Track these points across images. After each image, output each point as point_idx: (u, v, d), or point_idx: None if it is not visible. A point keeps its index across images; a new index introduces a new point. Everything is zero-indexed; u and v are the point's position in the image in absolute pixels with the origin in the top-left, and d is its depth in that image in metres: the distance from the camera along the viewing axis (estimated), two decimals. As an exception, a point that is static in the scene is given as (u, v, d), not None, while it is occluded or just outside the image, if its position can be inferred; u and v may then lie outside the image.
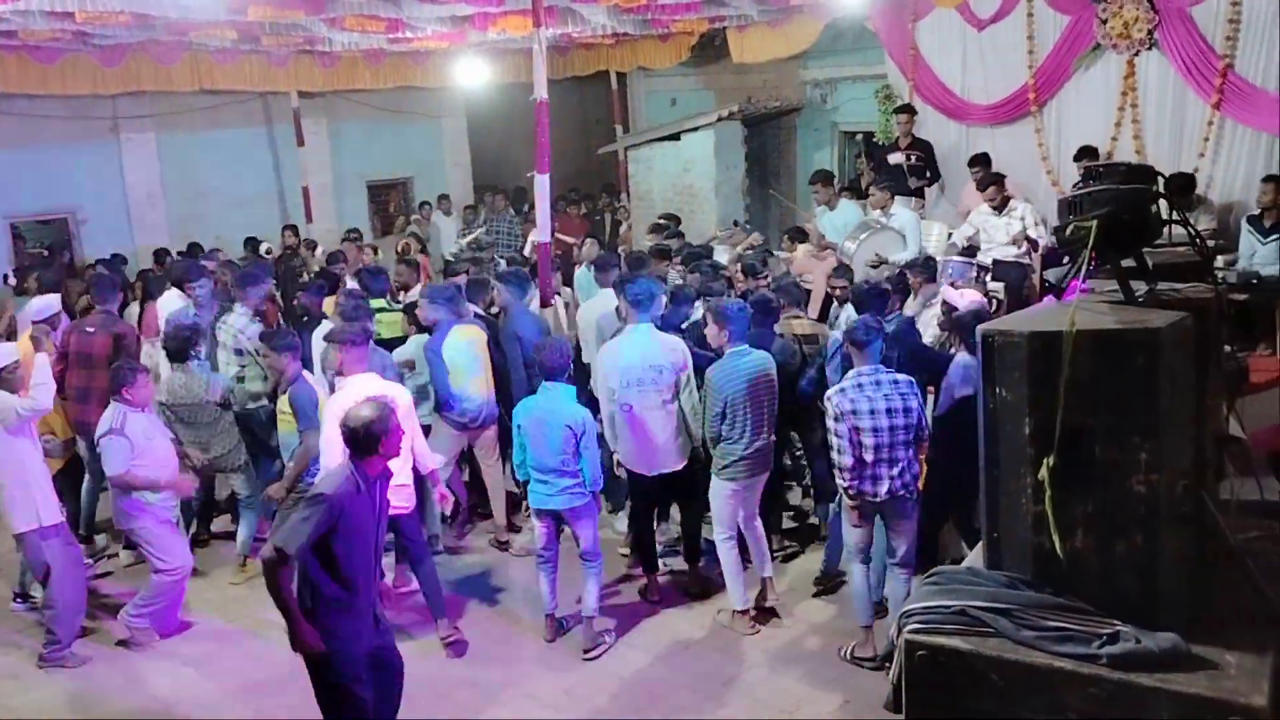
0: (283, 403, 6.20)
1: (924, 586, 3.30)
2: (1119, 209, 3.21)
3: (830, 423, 5.35)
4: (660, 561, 6.66)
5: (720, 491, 5.94)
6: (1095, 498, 2.99)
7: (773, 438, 5.96)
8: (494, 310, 7.61)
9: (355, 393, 5.35)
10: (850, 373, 5.44)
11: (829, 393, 5.41)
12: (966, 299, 6.51)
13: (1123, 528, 2.97)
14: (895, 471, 5.28)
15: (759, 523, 6.12)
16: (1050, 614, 3.00)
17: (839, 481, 5.41)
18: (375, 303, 7.82)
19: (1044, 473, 2.98)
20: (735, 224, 11.15)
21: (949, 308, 6.54)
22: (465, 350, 6.93)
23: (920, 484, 5.45)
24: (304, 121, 14.35)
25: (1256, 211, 8.12)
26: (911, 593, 3.33)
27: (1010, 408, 3.08)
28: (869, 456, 5.29)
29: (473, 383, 6.95)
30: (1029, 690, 2.90)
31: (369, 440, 4.27)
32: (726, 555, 6.00)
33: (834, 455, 5.39)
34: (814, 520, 7.23)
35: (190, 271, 8.04)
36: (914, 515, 5.43)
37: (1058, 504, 2.99)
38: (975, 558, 3.51)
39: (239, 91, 13.51)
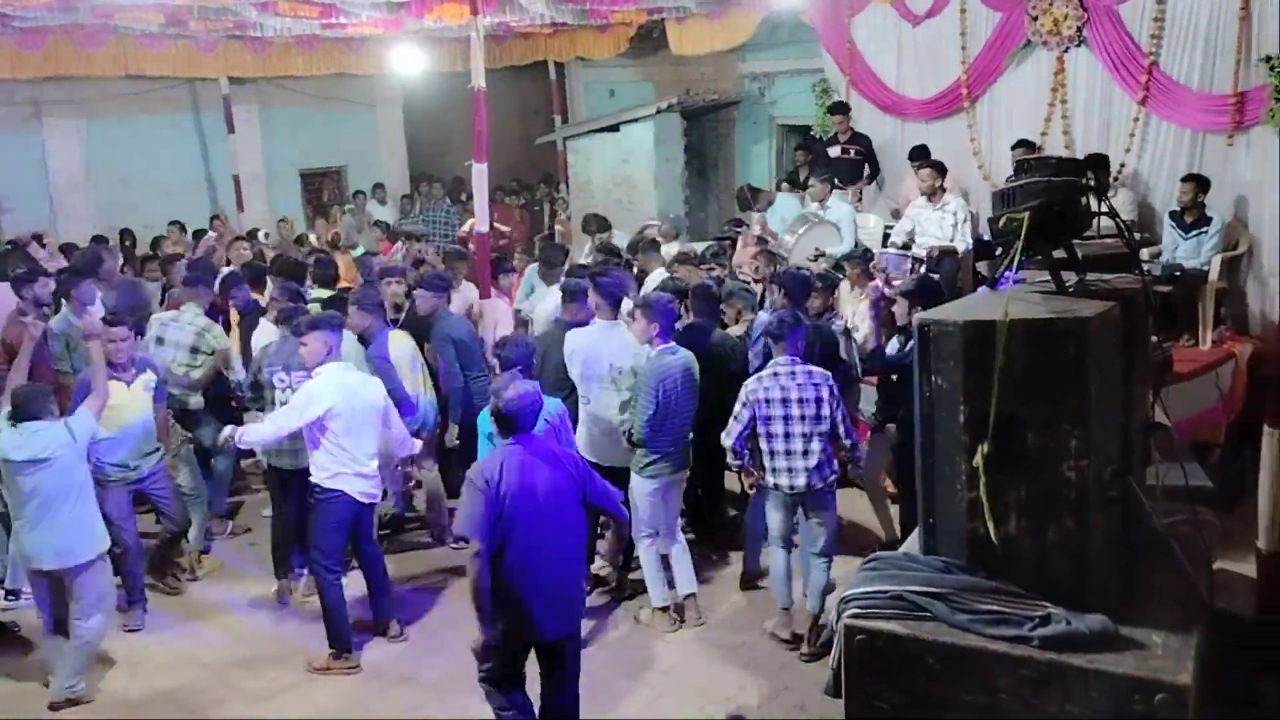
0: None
1: (863, 572, 3.36)
2: (1051, 200, 3.29)
3: (737, 406, 5.44)
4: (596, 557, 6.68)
5: (642, 490, 5.93)
6: (1028, 484, 3.07)
7: (691, 435, 5.96)
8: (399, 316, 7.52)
9: (331, 382, 5.42)
10: (769, 363, 5.52)
11: (747, 380, 5.48)
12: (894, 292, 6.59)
13: (1054, 512, 3.05)
14: (811, 464, 5.35)
15: (679, 534, 6.09)
16: (984, 598, 3.07)
17: (730, 459, 5.51)
18: (318, 293, 7.69)
19: (978, 459, 3.05)
20: (664, 219, 11.14)
21: (880, 300, 6.63)
22: (403, 356, 6.87)
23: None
24: (235, 108, 14.04)
25: (1177, 208, 8.35)
26: (850, 578, 3.38)
27: (945, 396, 3.14)
28: (779, 446, 5.37)
29: (413, 389, 6.89)
30: (963, 672, 2.96)
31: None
32: (646, 553, 6.00)
33: (723, 436, 5.47)
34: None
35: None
36: (832, 507, 5.51)
37: (992, 490, 3.06)
38: (912, 543, 3.57)
39: (167, 77, 13.21)
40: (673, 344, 5.88)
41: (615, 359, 6.04)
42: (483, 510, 4.15)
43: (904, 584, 3.19)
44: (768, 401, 5.35)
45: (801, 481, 5.38)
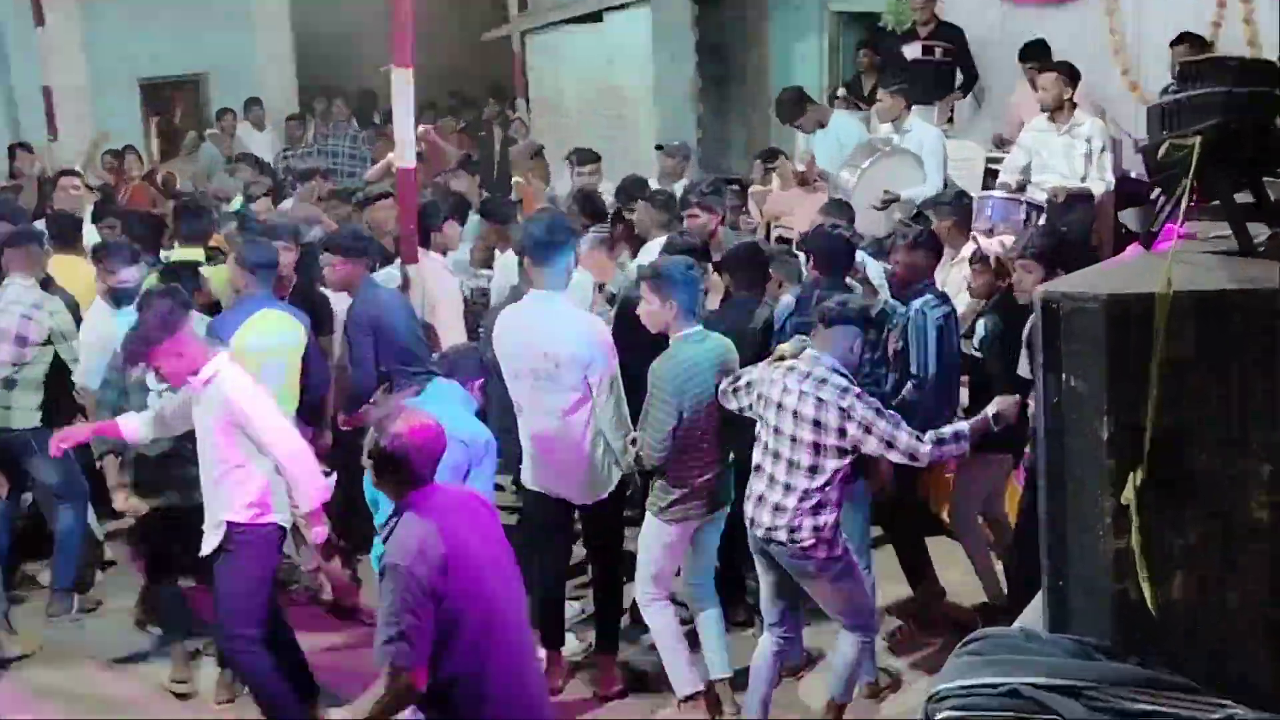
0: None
1: (961, 657, 3.36)
2: (1230, 120, 3.29)
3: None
4: (571, 636, 6.73)
5: (658, 536, 6.01)
6: (1200, 527, 3.07)
7: (732, 456, 6.03)
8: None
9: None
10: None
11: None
12: (1004, 245, 6.64)
13: (1238, 569, 3.06)
14: (783, 508, 5.43)
15: (714, 595, 6.19)
16: (1138, 693, 3.07)
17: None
18: (189, 252, 7.75)
19: (1129, 493, 3.05)
20: (668, 147, 11.11)
21: (978, 255, 6.67)
22: (269, 349, 6.87)
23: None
24: (45, -9, 14.08)
25: None
26: (946, 665, 3.39)
27: (1081, 402, 3.15)
28: (763, 459, 5.54)
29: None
30: (1110, 800, 2.97)
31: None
32: (660, 621, 6.09)
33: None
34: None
35: None
36: (822, 578, 5.55)
37: (1148, 537, 3.06)
38: (1031, 615, 3.57)
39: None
40: (699, 328, 5.92)
41: (549, 345, 6.05)
42: (421, 609, 4.17)
43: (1021, 674, 3.19)
44: (767, 399, 5.52)
45: (764, 523, 5.51)
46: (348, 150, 14.09)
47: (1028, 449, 6.09)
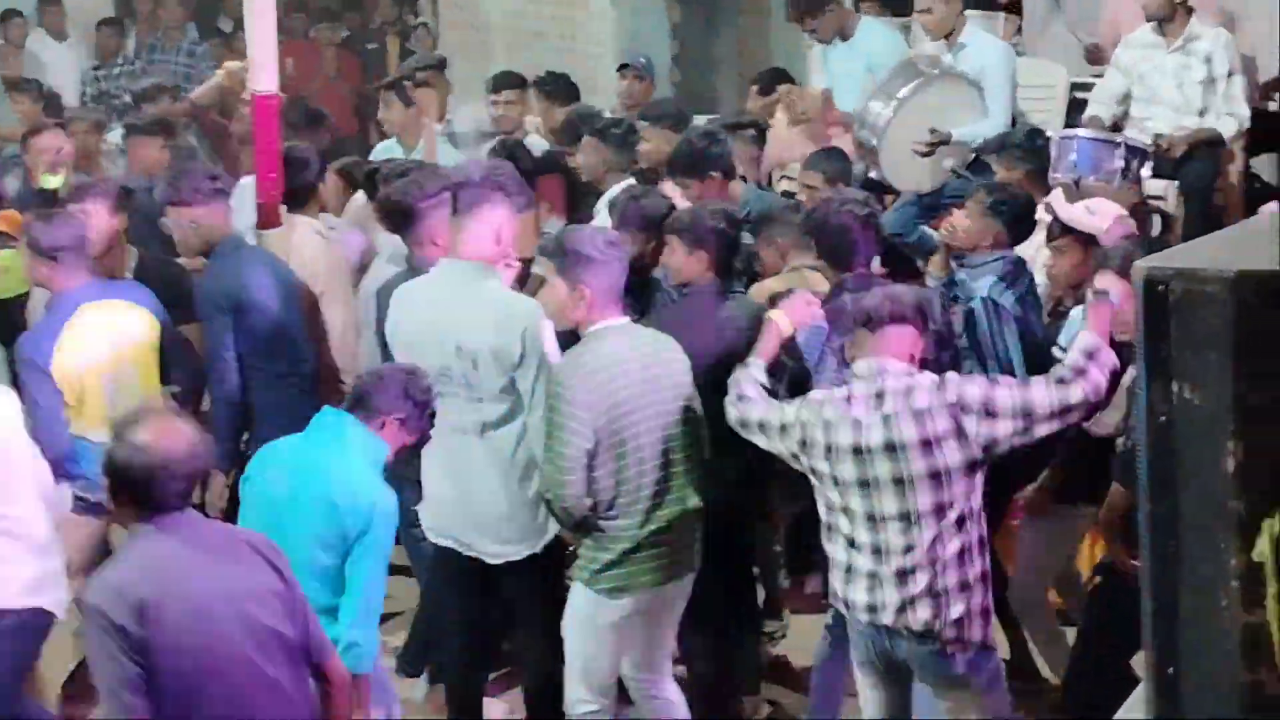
0: None
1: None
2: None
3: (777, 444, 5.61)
4: None
5: (589, 616, 6.01)
6: (1361, 593, 3.11)
7: (694, 503, 6.04)
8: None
9: None
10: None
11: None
12: (1095, 214, 6.67)
13: None
14: (912, 578, 5.38)
15: (669, 682, 6.25)
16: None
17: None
18: None
19: (1264, 546, 3.08)
20: (635, 66, 11.12)
21: (1060, 226, 6.70)
22: (103, 360, 6.92)
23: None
24: None
25: None
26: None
27: (1200, 420, 3.18)
28: (859, 532, 5.46)
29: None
30: None
31: None
32: None
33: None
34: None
35: None
36: (969, 684, 5.53)
37: (1290, 606, 3.10)
38: (1133, 709, 3.60)
39: None
40: (625, 321, 5.98)
41: (467, 336, 6.07)
42: (121, 654, 4.31)
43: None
44: (828, 446, 5.43)
45: (888, 614, 5.43)
46: (183, 67, 14.06)
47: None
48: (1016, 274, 6.65)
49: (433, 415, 5.83)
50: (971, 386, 5.36)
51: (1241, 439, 3.13)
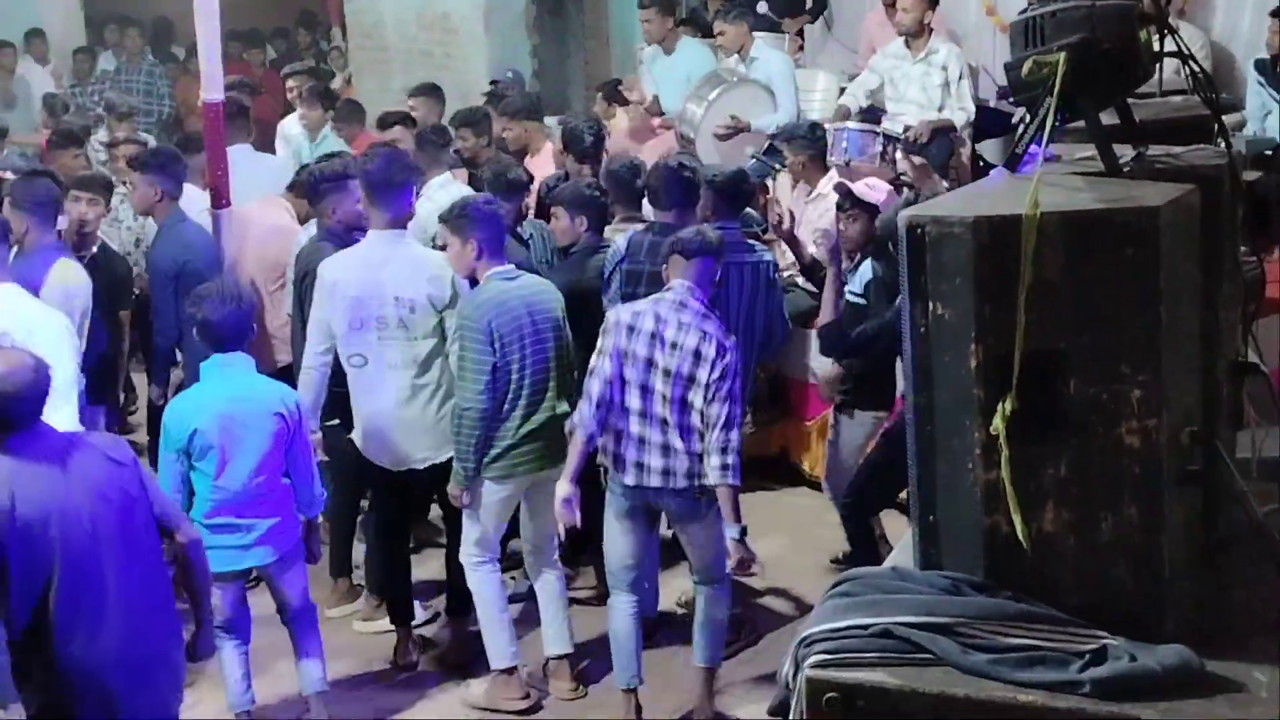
0: None
1: (831, 599, 3.45)
2: (1096, 36, 3.39)
3: (598, 344, 5.63)
4: (421, 606, 6.82)
5: (488, 495, 6.02)
6: (1071, 456, 3.18)
7: (562, 408, 6.04)
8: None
9: None
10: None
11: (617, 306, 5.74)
12: (874, 189, 6.74)
13: (1110, 497, 3.18)
14: (675, 449, 5.50)
15: (555, 559, 6.25)
16: (1010, 627, 3.19)
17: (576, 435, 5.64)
18: None
19: (999, 422, 3.15)
20: (502, 80, 11.04)
21: (850, 200, 6.74)
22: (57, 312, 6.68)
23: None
24: None
25: (1265, 55, 8.69)
26: (815, 608, 3.47)
27: (949, 330, 3.24)
28: (631, 413, 5.54)
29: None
30: (985, 737, 3.08)
31: None
32: (481, 587, 6.13)
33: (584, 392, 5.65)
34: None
35: None
36: (703, 519, 5.69)
37: (1019, 467, 3.17)
38: (902, 553, 3.68)
39: None
40: (510, 267, 5.94)
41: (401, 288, 6.05)
42: None
43: (892, 614, 3.28)
44: (632, 330, 5.50)
45: (656, 478, 5.54)
46: (143, 86, 13.73)
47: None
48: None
49: None
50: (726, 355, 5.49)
51: (980, 344, 3.19)
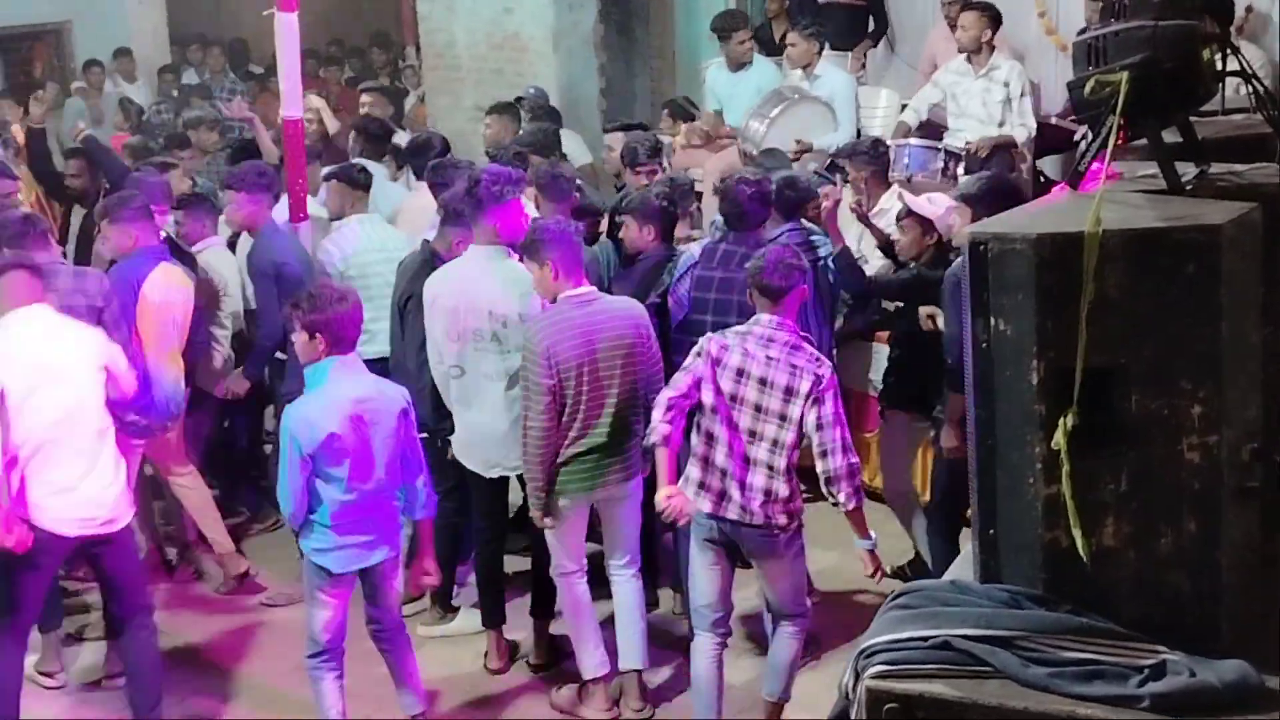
0: None
1: (890, 611, 3.44)
2: (1159, 55, 3.37)
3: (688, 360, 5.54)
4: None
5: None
6: (1132, 471, 3.17)
7: (635, 419, 5.94)
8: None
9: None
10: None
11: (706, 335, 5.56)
12: (934, 204, 6.70)
13: (1170, 512, 3.16)
14: (755, 487, 5.39)
15: (626, 574, 6.13)
16: (1070, 641, 3.17)
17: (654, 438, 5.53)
18: None
19: (1060, 437, 3.14)
20: (526, 96, 11.07)
21: (911, 216, 6.70)
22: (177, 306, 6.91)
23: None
24: None
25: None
26: (875, 619, 3.46)
27: (1010, 346, 3.23)
28: (717, 446, 5.43)
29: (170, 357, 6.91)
30: (1044, 749, 3.06)
31: None
32: (568, 596, 6.09)
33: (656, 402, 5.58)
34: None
35: None
36: (785, 556, 5.56)
37: (1079, 481, 3.15)
38: (962, 566, 3.66)
39: None
40: (587, 290, 5.91)
41: (497, 303, 6.07)
42: None
43: (952, 626, 3.27)
44: (718, 364, 5.40)
45: (734, 511, 5.43)
46: (224, 100, 13.87)
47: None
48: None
49: None
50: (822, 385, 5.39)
51: (1041, 359, 3.18)
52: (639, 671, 6.07)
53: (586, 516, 6.09)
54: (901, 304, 6.80)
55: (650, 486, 5.89)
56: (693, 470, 5.51)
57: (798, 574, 5.62)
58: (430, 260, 6.56)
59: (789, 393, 5.33)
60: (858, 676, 3.30)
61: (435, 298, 6.21)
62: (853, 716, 3.30)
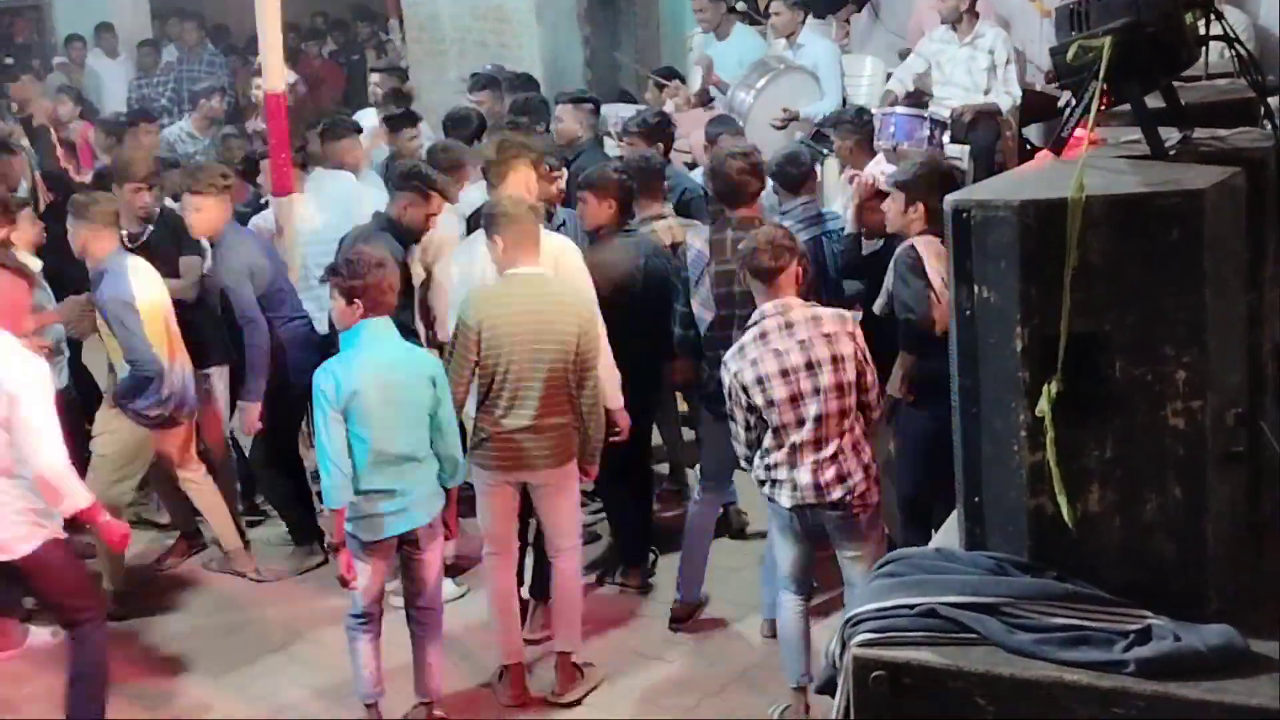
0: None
1: (877, 579, 3.43)
2: (1141, 20, 3.35)
3: (728, 404, 5.51)
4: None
5: (476, 484, 6.01)
6: (1116, 437, 3.15)
7: (567, 409, 5.91)
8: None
9: None
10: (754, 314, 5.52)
11: (726, 357, 5.49)
12: None
13: (1154, 478, 3.15)
14: (826, 461, 5.37)
15: (567, 556, 6.12)
16: (1055, 607, 3.17)
17: (756, 474, 5.56)
18: None
19: (1044, 404, 3.12)
20: (481, 73, 11.04)
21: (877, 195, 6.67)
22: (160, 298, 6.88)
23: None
24: None
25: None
26: (861, 588, 3.45)
27: (994, 313, 3.21)
28: (787, 438, 5.39)
29: (173, 349, 6.93)
30: (1030, 715, 3.06)
31: None
32: (490, 578, 6.09)
33: (735, 444, 5.60)
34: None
35: None
36: (871, 534, 5.56)
37: (1064, 448, 3.14)
38: (947, 534, 3.65)
39: None
40: (536, 271, 5.89)
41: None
42: None
43: (937, 593, 3.27)
44: (761, 382, 5.34)
45: (809, 494, 5.40)
46: (204, 74, 13.82)
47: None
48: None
49: None
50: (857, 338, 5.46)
51: (1025, 326, 3.16)
52: (568, 654, 6.05)
53: (514, 500, 6.01)
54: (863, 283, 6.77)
55: (630, 464, 6.08)
56: (760, 472, 5.52)
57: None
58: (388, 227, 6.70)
59: (836, 361, 5.34)
60: (844, 645, 3.29)
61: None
62: (839, 684, 3.30)
